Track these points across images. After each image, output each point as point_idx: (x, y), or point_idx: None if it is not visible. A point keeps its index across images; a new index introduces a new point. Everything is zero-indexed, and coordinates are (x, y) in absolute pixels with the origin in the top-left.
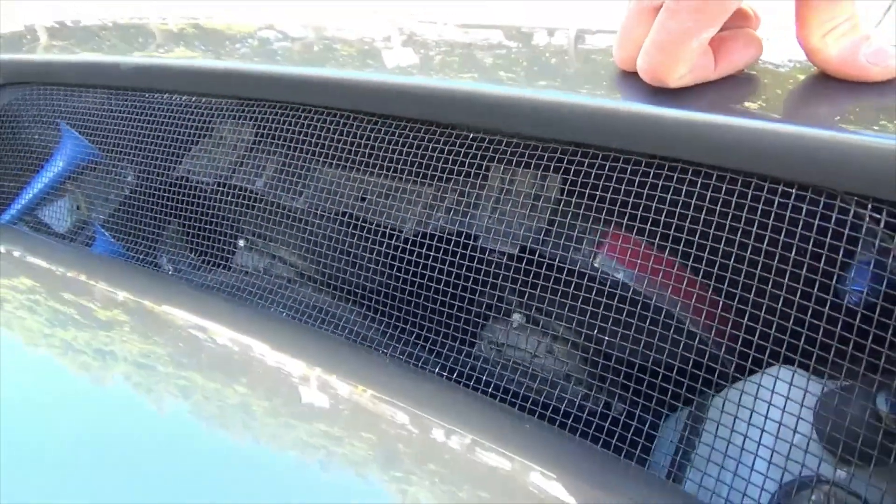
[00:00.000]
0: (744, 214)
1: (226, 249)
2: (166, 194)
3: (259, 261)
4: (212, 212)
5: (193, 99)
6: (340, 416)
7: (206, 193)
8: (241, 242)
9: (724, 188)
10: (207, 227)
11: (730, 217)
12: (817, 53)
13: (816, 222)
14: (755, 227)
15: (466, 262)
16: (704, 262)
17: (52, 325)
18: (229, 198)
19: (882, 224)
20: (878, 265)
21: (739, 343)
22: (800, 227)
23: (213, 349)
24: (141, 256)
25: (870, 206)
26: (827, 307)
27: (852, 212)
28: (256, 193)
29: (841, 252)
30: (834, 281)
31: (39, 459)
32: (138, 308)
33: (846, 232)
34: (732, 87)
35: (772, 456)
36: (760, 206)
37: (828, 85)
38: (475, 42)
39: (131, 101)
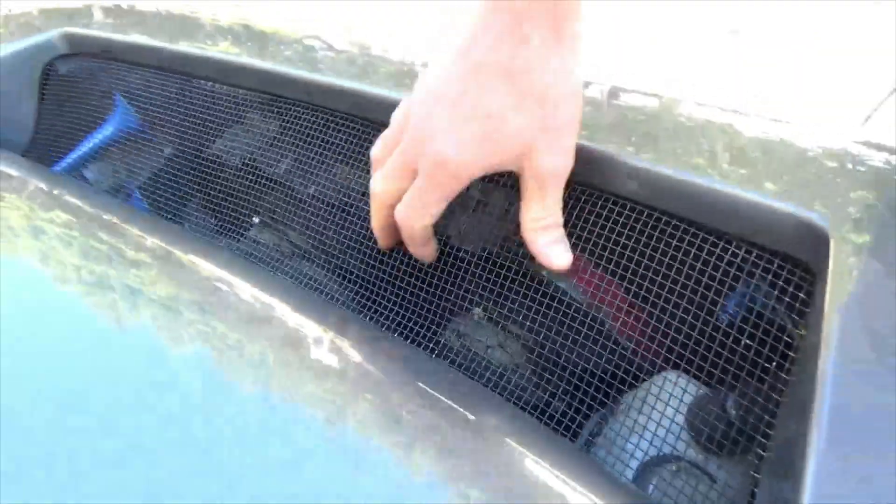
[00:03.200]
0: (655, 245)
1: (243, 224)
2: (197, 169)
3: (269, 237)
4: (235, 189)
5: (229, 89)
6: (346, 374)
7: (233, 172)
8: (256, 219)
9: (643, 222)
10: (229, 201)
11: (648, 248)
12: (529, 244)
13: (704, 257)
14: (659, 256)
15: (442, 258)
16: (635, 285)
17: (85, 259)
18: (252, 178)
19: (752, 265)
20: (748, 298)
21: (651, 353)
22: (693, 260)
23: (234, 302)
24: (167, 220)
25: (744, 250)
26: (707, 327)
27: (731, 252)
28: (276, 178)
29: (724, 283)
30: (718, 305)
31: (60, 387)
32: (167, 255)
33: (731, 270)
34: None
35: (652, 439)
36: (669, 241)
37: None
38: None
39: (178, 83)
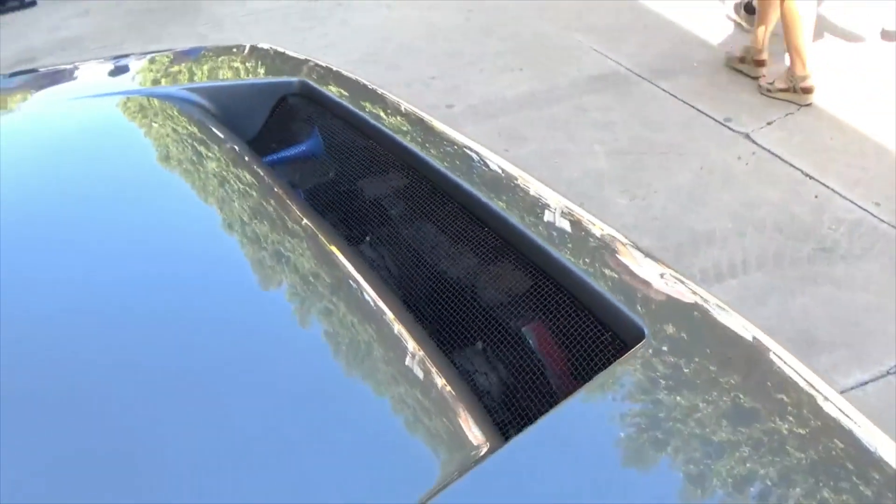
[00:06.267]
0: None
1: (360, 238)
2: (345, 192)
3: (373, 254)
4: (363, 213)
5: (386, 152)
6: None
7: (365, 202)
8: (368, 238)
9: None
10: (357, 220)
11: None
12: None
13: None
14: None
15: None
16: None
17: (257, 218)
18: (375, 211)
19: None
20: None
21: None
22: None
23: (351, 286)
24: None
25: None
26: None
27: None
28: (388, 217)
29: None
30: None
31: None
32: (312, 233)
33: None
34: None
35: None
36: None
37: None
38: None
39: (355, 135)
